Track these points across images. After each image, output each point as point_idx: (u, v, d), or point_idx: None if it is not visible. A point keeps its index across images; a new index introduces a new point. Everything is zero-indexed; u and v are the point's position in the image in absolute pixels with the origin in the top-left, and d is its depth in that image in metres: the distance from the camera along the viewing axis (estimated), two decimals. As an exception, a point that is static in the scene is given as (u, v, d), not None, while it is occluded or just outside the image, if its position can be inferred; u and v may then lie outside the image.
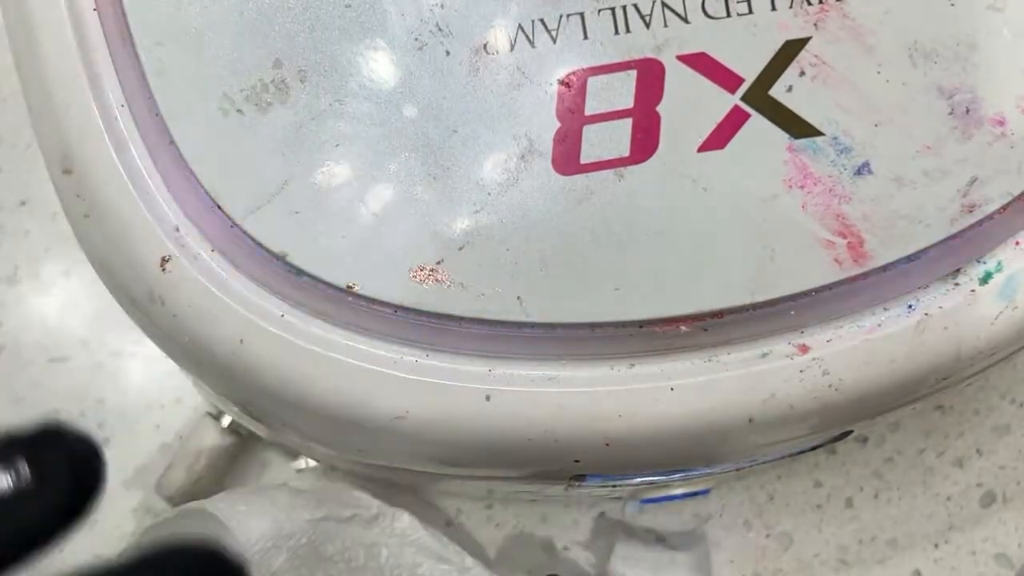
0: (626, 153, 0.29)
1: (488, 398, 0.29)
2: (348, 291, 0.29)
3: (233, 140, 0.29)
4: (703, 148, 0.29)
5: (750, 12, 0.30)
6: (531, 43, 0.30)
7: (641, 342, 0.29)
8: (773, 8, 0.30)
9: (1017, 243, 0.30)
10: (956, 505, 0.45)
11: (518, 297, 0.29)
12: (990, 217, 0.29)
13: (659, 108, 0.29)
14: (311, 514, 0.36)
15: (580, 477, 0.33)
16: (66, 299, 0.45)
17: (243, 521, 0.35)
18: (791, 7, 0.30)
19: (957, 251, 0.30)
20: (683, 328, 0.29)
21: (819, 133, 0.29)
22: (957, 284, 0.30)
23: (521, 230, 0.29)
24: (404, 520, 0.38)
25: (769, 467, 0.44)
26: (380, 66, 0.30)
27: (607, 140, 0.29)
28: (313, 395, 0.30)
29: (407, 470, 0.37)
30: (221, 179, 0.29)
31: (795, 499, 0.45)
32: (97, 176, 0.30)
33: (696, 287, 0.29)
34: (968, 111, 0.29)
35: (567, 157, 0.29)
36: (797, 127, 0.29)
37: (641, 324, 0.29)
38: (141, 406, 0.45)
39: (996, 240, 0.30)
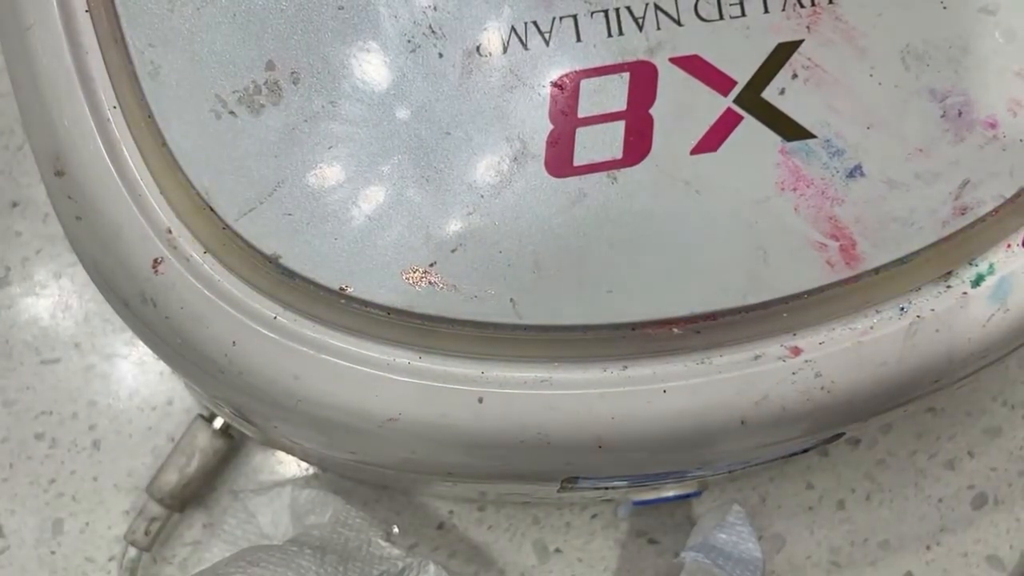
0: (619, 155, 0.29)
1: (481, 400, 0.29)
2: (341, 293, 0.29)
3: (225, 142, 0.29)
4: (696, 150, 0.29)
5: (743, 15, 0.30)
6: (524, 45, 0.30)
7: (634, 344, 0.29)
8: (766, 11, 0.30)
9: (1009, 246, 0.30)
10: (948, 507, 0.45)
11: (511, 299, 0.29)
12: (982, 220, 0.29)
13: (652, 110, 0.29)
14: None
15: (573, 479, 0.33)
16: (58, 301, 0.45)
17: None
18: (784, 9, 0.30)
19: (949, 254, 0.30)
20: (676, 330, 0.29)
21: (811, 136, 0.29)
22: (949, 287, 0.30)
23: (514, 232, 0.29)
24: (431, 571, 0.38)
25: (761, 469, 0.44)
26: (373, 68, 0.30)
27: (600, 142, 0.29)
28: (305, 397, 0.30)
29: (399, 472, 0.37)
30: (213, 181, 0.29)
31: (787, 501, 0.45)
32: (89, 178, 0.30)
33: (689, 289, 0.29)
34: (960, 114, 0.30)
35: (560, 159, 0.29)
36: (790, 129, 0.29)
37: (634, 326, 0.29)
38: (133, 408, 0.45)
39: (988, 243, 0.30)
